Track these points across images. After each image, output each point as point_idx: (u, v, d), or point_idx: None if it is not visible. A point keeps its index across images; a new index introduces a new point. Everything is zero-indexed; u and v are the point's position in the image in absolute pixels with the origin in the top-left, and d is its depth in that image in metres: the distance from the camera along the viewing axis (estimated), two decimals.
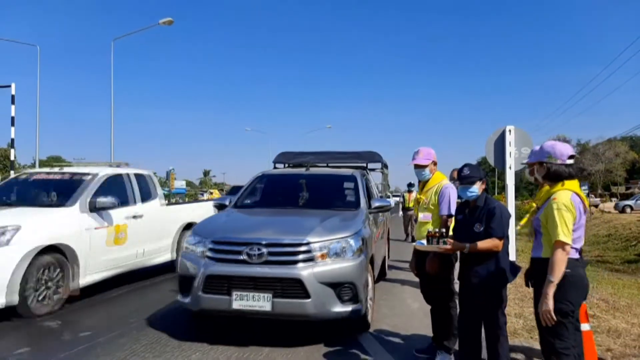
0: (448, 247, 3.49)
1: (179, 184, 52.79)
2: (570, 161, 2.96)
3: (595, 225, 28.52)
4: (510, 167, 7.73)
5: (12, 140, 25.03)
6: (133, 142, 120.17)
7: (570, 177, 2.95)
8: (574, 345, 2.81)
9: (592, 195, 48.42)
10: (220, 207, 5.74)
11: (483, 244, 3.33)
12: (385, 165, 8.62)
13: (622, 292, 9.77)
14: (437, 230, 3.59)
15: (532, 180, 3.61)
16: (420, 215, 4.10)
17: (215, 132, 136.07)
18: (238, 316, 4.29)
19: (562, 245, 2.74)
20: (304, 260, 4.10)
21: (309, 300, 3.97)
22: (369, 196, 5.82)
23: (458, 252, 3.60)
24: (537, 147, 3.18)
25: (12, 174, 26.05)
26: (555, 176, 2.95)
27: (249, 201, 5.95)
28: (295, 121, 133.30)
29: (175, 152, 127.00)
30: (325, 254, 4.13)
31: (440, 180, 4.14)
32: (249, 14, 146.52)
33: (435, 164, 4.21)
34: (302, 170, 6.57)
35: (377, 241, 5.58)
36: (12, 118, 24.79)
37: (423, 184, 4.19)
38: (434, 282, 3.99)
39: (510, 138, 7.78)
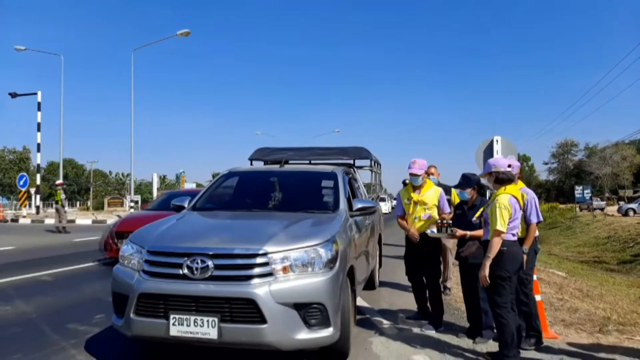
0: (456, 234, 4.48)
1: (189, 186, 54.12)
2: (509, 169, 4.03)
3: (597, 228, 29.22)
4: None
5: (38, 145, 26.47)
6: (145, 145, 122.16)
7: (510, 180, 3.99)
8: (512, 301, 3.86)
9: (598, 199, 48.92)
10: (178, 209, 4.80)
11: (479, 232, 4.32)
12: (376, 163, 7.69)
13: (607, 287, 10.75)
14: (446, 221, 4.58)
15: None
16: (422, 215, 4.94)
17: (226, 136, 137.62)
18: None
19: (499, 233, 3.76)
20: (260, 275, 3.22)
21: (266, 325, 3.12)
22: (352, 197, 5.01)
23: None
24: (486, 163, 4.29)
25: (39, 178, 27.54)
26: (500, 181, 3.99)
27: (210, 203, 5.03)
28: (305, 125, 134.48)
29: (186, 155, 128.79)
30: (287, 267, 3.28)
31: (434, 186, 4.98)
32: (259, 18, 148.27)
33: (426, 173, 5.09)
34: (275, 167, 5.67)
35: (360, 249, 4.73)
36: (38, 124, 26.30)
37: (415, 187, 4.94)
38: (428, 264, 4.90)
39: (497, 147, 8.85)
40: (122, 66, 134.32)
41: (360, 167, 7.13)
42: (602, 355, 4.13)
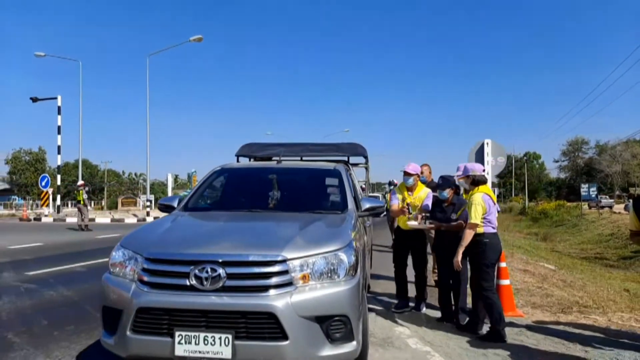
0: (432, 225, 5.20)
1: None
2: (484, 173, 4.82)
3: (602, 225, 29.63)
4: (487, 173, 9.50)
5: (59, 147, 27.57)
6: (157, 145, 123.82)
7: (484, 182, 4.76)
8: (494, 286, 4.66)
9: (607, 197, 49.08)
10: (166, 209, 4.36)
11: (452, 226, 5.05)
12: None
13: (598, 280, 11.41)
14: (424, 214, 5.37)
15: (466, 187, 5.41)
16: (414, 214, 5.54)
17: (237, 136, 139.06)
18: None
19: (473, 225, 4.52)
20: (279, 285, 2.91)
21: (287, 342, 2.81)
22: (356, 195, 4.75)
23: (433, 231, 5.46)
24: (463, 166, 5.03)
25: (59, 179, 28.71)
26: (476, 182, 4.76)
27: (203, 202, 4.72)
28: (314, 125, 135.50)
29: (197, 155, 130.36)
30: (307, 275, 2.99)
31: (424, 187, 5.66)
32: (268, 16, 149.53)
33: (418, 176, 5.69)
34: (272, 164, 5.44)
35: (366, 253, 4.58)
36: (59, 127, 27.40)
37: (408, 189, 5.58)
38: (416, 254, 5.58)
39: (488, 149, 9.57)
40: (137, 69, 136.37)
41: (355, 165, 6.91)
42: (558, 328, 4.89)
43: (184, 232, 3.62)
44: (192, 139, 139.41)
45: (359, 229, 3.95)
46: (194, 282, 2.88)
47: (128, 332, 2.91)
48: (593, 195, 34.43)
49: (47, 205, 27.33)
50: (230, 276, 2.88)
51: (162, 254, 3.07)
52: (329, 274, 3.03)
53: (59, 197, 28.35)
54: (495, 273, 5.14)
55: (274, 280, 2.90)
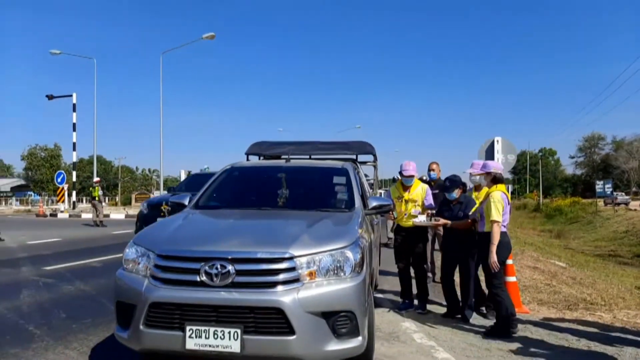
0: (439, 222, 5.24)
1: None
2: (502, 172, 4.92)
3: (617, 222, 29.39)
4: None
5: (74, 144, 28.05)
6: (170, 141, 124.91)
7: (502, 181, 4.84)
8: (504, 283, 4.73)
9: (623, 194, 48.44)
10: (176, 208, 4.52)
11: (459, 223, 5.16)
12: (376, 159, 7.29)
13: (610, 277, 11.35)
14: (430, 212, 5.42)
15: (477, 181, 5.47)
16: (413, 210, 5.60)
17: (249, 133, 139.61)
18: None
19: (497, 222, 4.57)
20: (286, 282, 3.02)
21: (294, 337, 2.91)
22: (364, 194, 4.84)
23: (442, 228, 5.53)
24: (481, 163, 5.13)
25: (74, 175, 29.23)
26: (496, 180, 4.83)
27: (214, 201, 4.78)
28: (326, 122, 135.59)
29: (209, 151, 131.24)
30: (314, 272, 3.09)
31: (420, 184, 5.60)
32: (280, 14, 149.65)
33: (429, 169, 5.87)
34: (281, 162, 5.49)
35: (373, 250, 4.66)
36: (74, 124, 27.87)
37: (405, 187, 5.54)
38: (416, 252, 5.54)
39: (498, 147, 9.57)
40: (151, 67, 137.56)
41: (364, 163, 6.94)
42: (562, 325, 4.95)
43: (195, 229, 3.75)
44: (205, 136, 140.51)
45: (367, 227, 4.04)
46: (204, 278, 2.98)
47: (141, 326, 3.02)
48: (608, 192, 34.07)
49: (63, 202, 27.84)
50: (239, 272, 2.98)
51: (174, 251, 3.17)
52: (335, 271, 3.11)
53: (74, 193, 28.86)
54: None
55: (282, 276, 2.99)
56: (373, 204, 4.30)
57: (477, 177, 5.34)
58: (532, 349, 4.16)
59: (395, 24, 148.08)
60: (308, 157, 6.39)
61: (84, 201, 44.93)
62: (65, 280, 7.12)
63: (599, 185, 34.42)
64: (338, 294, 3.05)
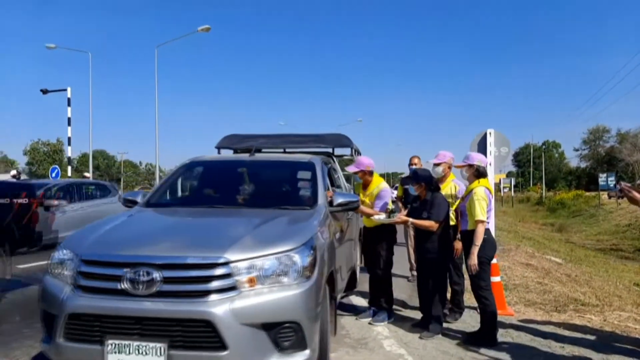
0: (397, 220, 4.67)
1: None
2: (487, 165, 4.54)
3: (619, 216, 28.92)
4: (490, 164, 9.16)
5: (69, 138, 27.80)
6: (171, 134, 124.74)
7: (485, 175, 4.47)
8: (490, 284, 4.32)
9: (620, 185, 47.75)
10: (129, 205, 4.15)
11: (422, 223, 4.75)
12: (357, 152, 6.77)
13: (609, 273, 11.02)
14: (390, 209, 4.97)
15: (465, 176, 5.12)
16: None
17: (249, 126, 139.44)
18: None
19: (482, 222, 4.19)
20: (220, 290, 2.71)
21: (226, 352, 2.62)
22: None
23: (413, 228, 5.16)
24: (467, 155, 4.75)
25: (70, 170, 29.01)
26: (480, 174, 4.43)
27: (166, 198, 4.43)
28: (327, 115, 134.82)
29: (210, 144, 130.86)
30: (254, 279, 2.78)
31: (377, 184, 4.91)
32: (279, 4, 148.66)
33: (363, 172, 4.94)
34: (244, 157, 5.07)
35: (342, 250, 4.33)
36: (69, 119, 27.51)
37: (363, 185, 4.97)
38: (379, 253, 4.83)
39: (490, 139, 9.20)
40: (147, 61, 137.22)
41: (340, 157, 6.60)
42: (547, 329, 4.62)
43: (128, 231, 3.40)
44: (207, 129, 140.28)
45: (329, 225, 3.74)
46: (126, 286, 2.70)
47: (60, 339, 2.76)
48: (612, 185, 33.54)
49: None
50: (166, 280, 2.70)
51: (96, 255, 2.89)
52: (279, 277, 2.82)
53: None
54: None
55: (215, 284, 2.71)
56: (339, 200, 3.97)
57: (440, 169, 4.97)
58: (511, 357, 3.84)
59: (400, 13, 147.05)
60: (282, 150, 6.08)
61: None
62: (35, 279, 6.83)
63: (602, 178, 33.93)
64: (281, 303, 2.77)
